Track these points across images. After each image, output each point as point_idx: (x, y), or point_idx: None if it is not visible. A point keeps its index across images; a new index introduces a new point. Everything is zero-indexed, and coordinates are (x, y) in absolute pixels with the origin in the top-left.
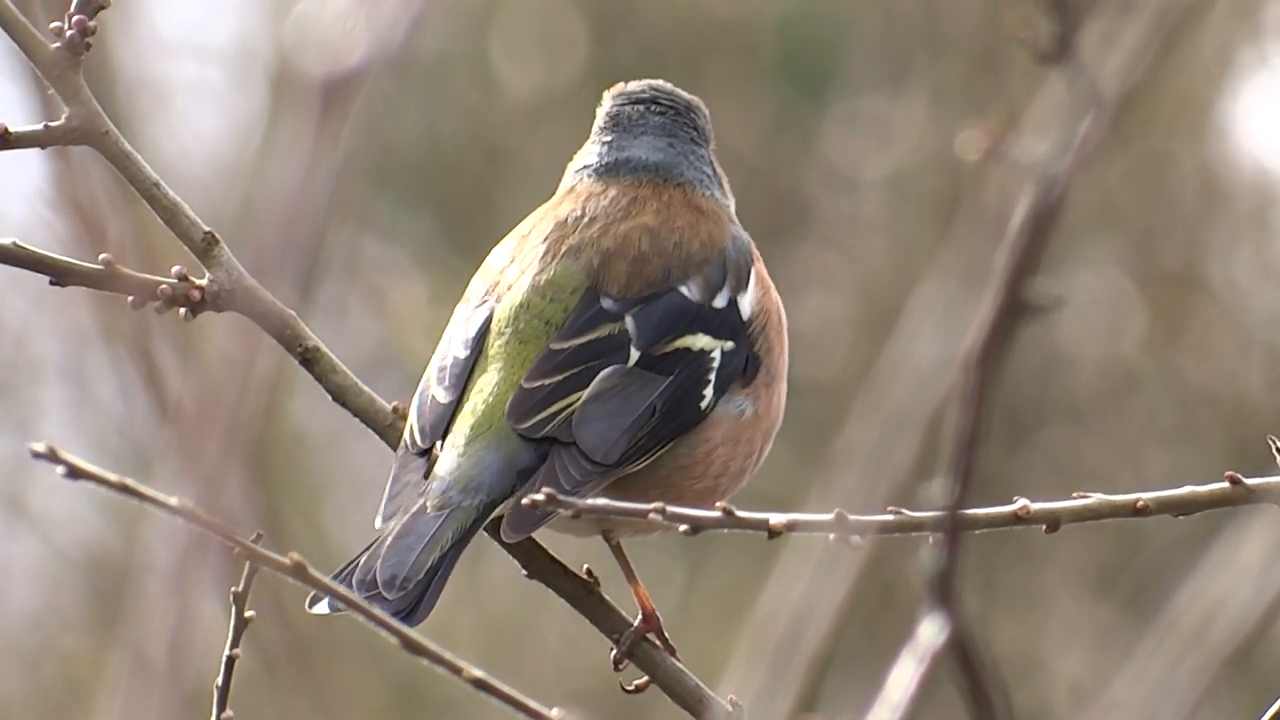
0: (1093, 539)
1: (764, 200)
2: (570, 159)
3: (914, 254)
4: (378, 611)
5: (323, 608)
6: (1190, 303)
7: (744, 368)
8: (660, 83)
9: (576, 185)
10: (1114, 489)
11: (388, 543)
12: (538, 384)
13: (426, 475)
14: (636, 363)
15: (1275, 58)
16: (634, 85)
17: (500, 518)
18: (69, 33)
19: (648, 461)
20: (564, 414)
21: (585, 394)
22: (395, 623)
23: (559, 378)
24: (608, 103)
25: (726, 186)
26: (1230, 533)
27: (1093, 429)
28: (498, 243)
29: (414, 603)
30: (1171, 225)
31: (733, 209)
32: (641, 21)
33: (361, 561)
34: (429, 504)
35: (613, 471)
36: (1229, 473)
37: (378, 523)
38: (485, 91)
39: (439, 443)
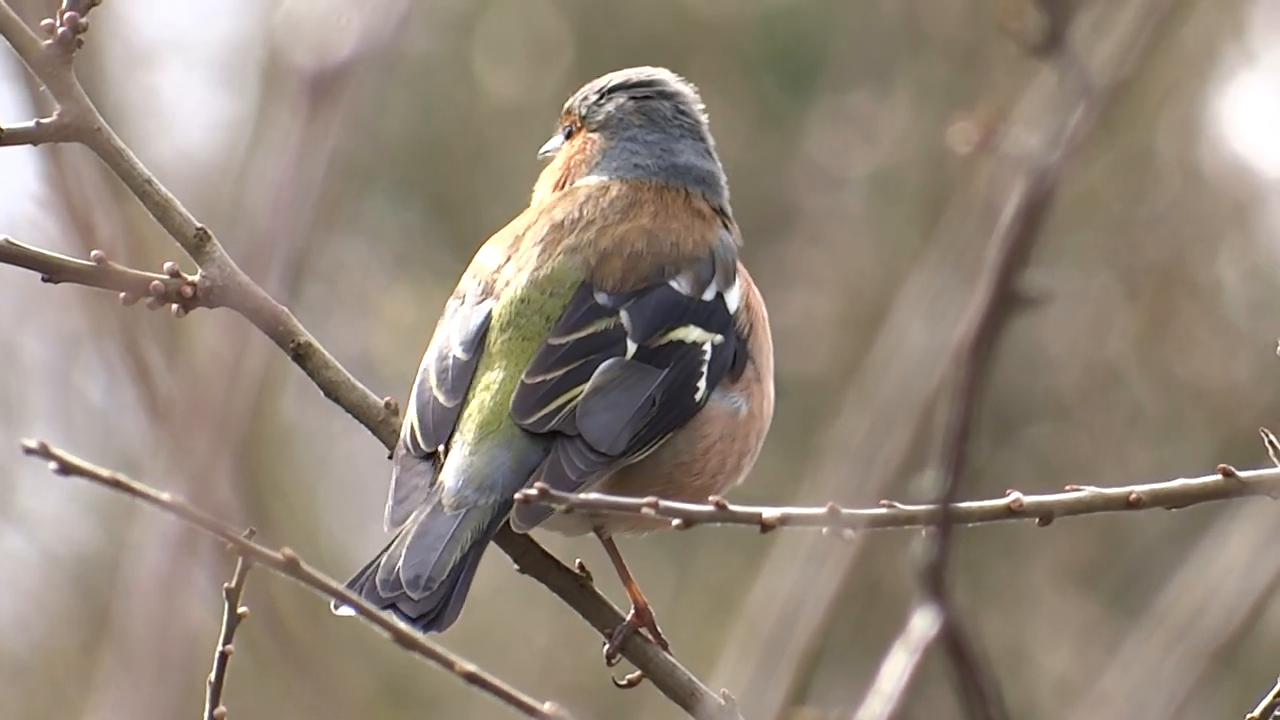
0: (1078, 534)
1: (748, 198)
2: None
3: (898, 251)
4: (370, 606)
5: (348, 609)
6: (1175, 297)
7: (732, 362)
8: (658, 74)
9: (576, 187)
10: (1101, 484)
11: (408, 543)
12: (539, 379)
13: (433, 479)
14: (634, 355)
15: (1260, 53)
16: (634, 77)
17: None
18: (61, 30)
19: (648, 453)
20: (567, 408)
21: (587, 387)
22: (390, 617)
23: (560, 372)
24: (619, 97)
25: (722, 179)
26: (1217, 527)
27: (1078, 424)
28: (485, 240)
29: (440, 605)
30: (1156, 220)
31: (726, 201)
32: (625, 20)
33: (382, 562)
34: (445, 503)
35: (617, 462)
36: (1222, 465)
37: (386, 529)
38: (472, 91)
39: (442, 445)
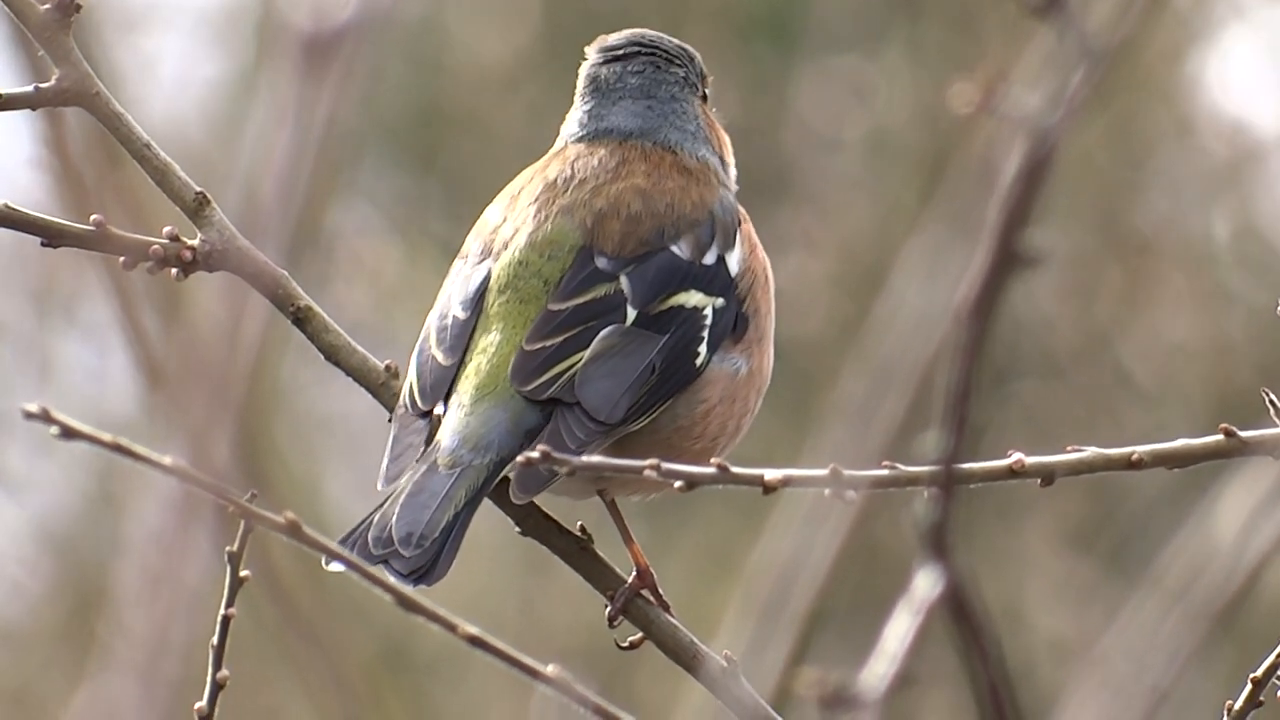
0: (1072, 495)
1: (743, 160)
2: (549, 121)
3: (893, 212)
4: (369, 567)
5: (339, 565)
6: (1169, 257)
7: (734, 324)
8: (643, 33)
9: (564, 149)
10: (1100, 444)
11: (401, 500)
12: (539, 346)
13: (429, 437)
14: (634, 322)
15: (1251, 11)
16: (615, 39)
17: (504, 479)
18: None
19: (648, 420)
20: (566, 375)
21: (586, 355)
22: (392, 580)
23: (560, 339)
24: (589, 59)
25: (722, 137)
26: (1215, 488)
27: (1072, 385)
28: (488, 203)
29: (431, 560)
30: (1149, 180)
31: (728, 164)
32: None
33: (375, 519)
34: (440, 462)
35: (616, 430)
36: (1223, 425)
37: (380, 485)
38: (466, 54)
39: (440, 404)
